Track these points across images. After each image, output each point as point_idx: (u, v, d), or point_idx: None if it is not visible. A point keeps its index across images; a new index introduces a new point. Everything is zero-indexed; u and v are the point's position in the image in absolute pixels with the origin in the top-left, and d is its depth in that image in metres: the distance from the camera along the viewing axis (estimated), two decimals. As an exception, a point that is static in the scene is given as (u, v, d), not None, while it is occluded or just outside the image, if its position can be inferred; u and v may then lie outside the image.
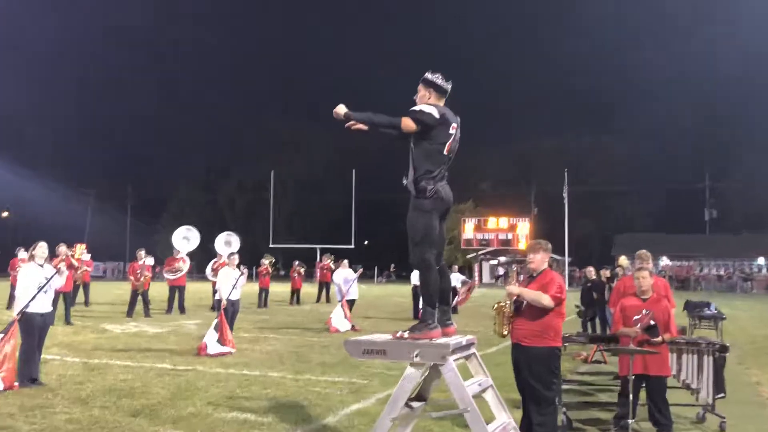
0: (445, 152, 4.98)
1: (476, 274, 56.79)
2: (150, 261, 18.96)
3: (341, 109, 4.99)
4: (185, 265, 19.65)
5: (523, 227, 53.91)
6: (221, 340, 11.43)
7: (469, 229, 55.52)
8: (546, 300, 5.62)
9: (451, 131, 5.01)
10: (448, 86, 5.14)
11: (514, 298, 5.80)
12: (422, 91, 5.12)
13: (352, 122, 4.97)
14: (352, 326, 15.73)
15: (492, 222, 55.06)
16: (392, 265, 54.19)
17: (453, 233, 56.10)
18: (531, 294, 5.70)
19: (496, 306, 5.89)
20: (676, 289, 42.45)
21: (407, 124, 4.87)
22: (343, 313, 15.87)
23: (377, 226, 65.72)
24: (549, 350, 5.68)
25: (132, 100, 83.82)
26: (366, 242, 70.96)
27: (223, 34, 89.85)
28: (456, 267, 25.91)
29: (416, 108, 4.97)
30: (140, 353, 11.22)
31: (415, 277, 17.87)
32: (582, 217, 63.65)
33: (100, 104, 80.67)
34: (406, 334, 4.87)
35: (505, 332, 5.82)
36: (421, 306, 5.04)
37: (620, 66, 77.31)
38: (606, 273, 14.78)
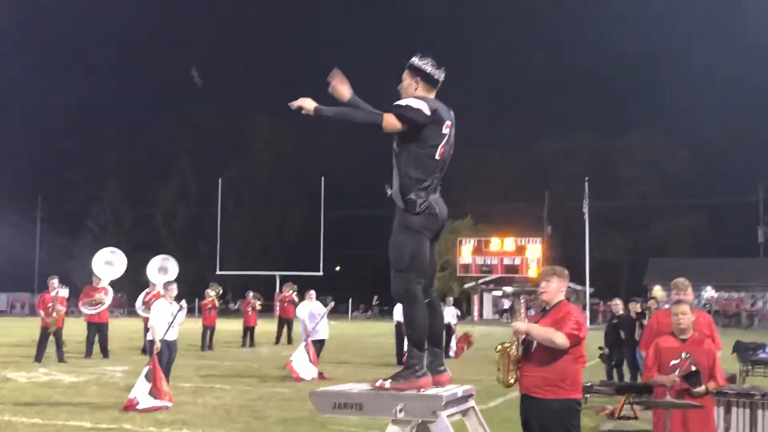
0: (437, 157, 5.00)
1: (476, 308, 56.98)
2: (64, 292, 18.81)
3: (309, 104, 5.00)
4: (108, 297, 19.51)
5: (534, 250, 54.22)
6: (154, 392, 11.32)
7: (466, 253, 55.75)
8: (559, 339, 5.61)
9: (445, 131, 5.03)
10: (441, 75, 5.16)
11: (522, 337, 5.82)
12: (407, 80, 5.14)
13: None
14: (320, 373, 15.68)
15: (495, 243, 55.33)
16: (375, 298, 54.08)
17: (447, 257, 56.28)
18: (540, 331, 5.71)
19: (499, 348, 5.90)
20: (723, 327, 42.75)
21: (390, 122, 4.89)
22: (308, 357, 15.80)
23: (352, 249, 65.78)
24: (566, 403, 5.68)
25: (45, 89, 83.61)
26: (338, 268, 70.97)
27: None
28: (450, 299, 25.97)
29: (401, 102, 4.98)
30: (52, 408, 11.09)
31: (398, 312, 17.86)
32: (607, 237, 64.14)
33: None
34: (387, 384, 4.87)
35: (512, 381, 5.83)
36: (406, 348, 5.05)
37: (655, 58, 78.31)
38: (636, 307, 14.89)
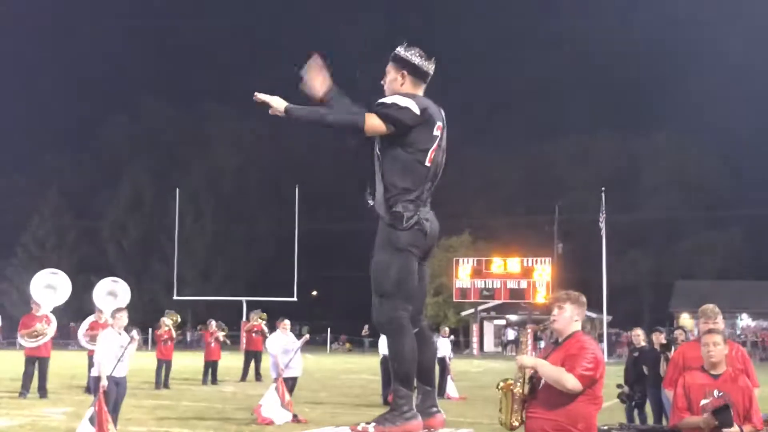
0: (427, 163, 5.01)
1: (475, 339, 56.94)
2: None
3: (278, 103, 5.01)
4: (50, 327, 19.36)
5: (543, 271, 54.24)
6: None
7: (464, 275, 55.68)
8: (570, 382, 5.61)
9: (436, 133, 5.04)
10: (431, 67, 5.17)
11: (529, 373, 5.82)
12: (392, 74, 5.15)
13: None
14: (294, 416, 15.65)
15: (497, 264, 55.30)
16: (366, 328, 54.43)
17: (441, 280, 56.27)
18: (549, 370, 5.71)
19: (502, 385, 5.89)
20: (761, 361, 42.92)
21: (372, 123, 4.89)
22: (279, 398, 15.77)
23: (332, 269, 65.71)
24: (577, 451, 5.68)
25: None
26: (315, 293, 70.89)
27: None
28: (446, 330, 25.92)
29: (386, 100, 4.99)
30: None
31: (382, 344, 17.84)
32: (627, 256, 64.32)
33: None
34: (371, 428, 4.87)
35: (516, 423, 5.82)
36: (392, 387, 5.03)
37: (683, 51, 78.57)
38: (661, 338, 14.90)
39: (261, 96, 5.07)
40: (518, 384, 5.82)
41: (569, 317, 5.88)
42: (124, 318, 12.80)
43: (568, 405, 5.66)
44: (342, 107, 5.10)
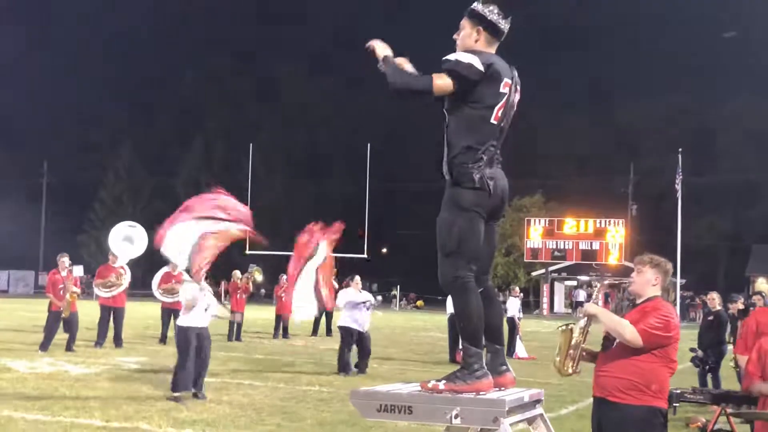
0: (493, 120, 4.97)
1: (545, 299, 56.74)
2: (78, 271, 19.03)
3: (380, 49, 5.00)
4: (125, 279, 19.70)
5: (616, 233, 53.69)
6: None
7: (535, 235, 55.40)
8: (629, 332, 5.53)
9: (503, 90, 4.99)
10: (506, 26, 5.12)
11: (590, 322, 5.76)
12: (467, 29, 5.09)
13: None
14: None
15: (570, 225, 54.87)
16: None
17: (512, 240, 56.07)
18: (610, 319, 5.67)
19: (563, 328, 5.85)
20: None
21: (440, 84, 4.85)
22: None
23: (402, 228, 65.88)
24: (649, 411, 5.63)
25: (49, 39, 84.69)
26: (385, 250, 71.16)
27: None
28: (516, 289, 25.84)
29: (450, 57, 4.95)
30: (58, 403, 11.31)
31: (450, 303, 17.79)
32: (703, 219, 63.31)
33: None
34: (441, 385, 4.88)
35: (569, 370, 5.77)
36: (460, 345, 5.04)
37: (760, 6, 76.38)
38: (738, 305, 14.69)
39: (371, 43, 5.06)
40: (578, 329, 5.79)
41: (647, 281, 5.81)
42: (202, 271, 13.00)
43: (642, 365, 5.60)
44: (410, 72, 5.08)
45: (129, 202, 70.07)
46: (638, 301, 5.85)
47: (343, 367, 16.06)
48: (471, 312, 4.97)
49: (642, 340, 5.52)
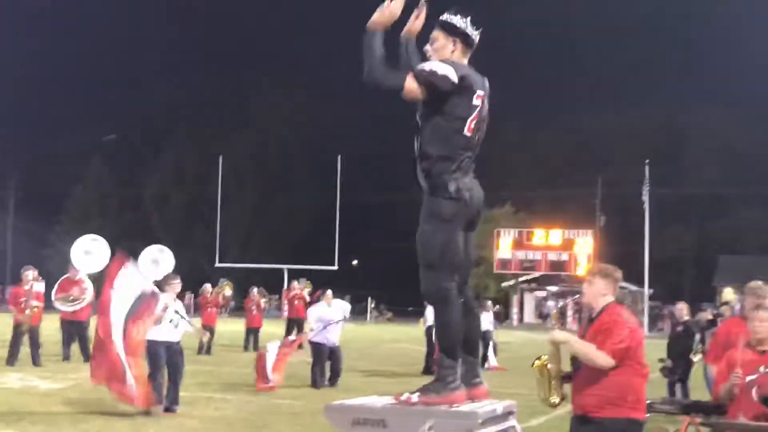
0: (466, 132, 4.99)
1: (515, 310, 56.90)
2: (40, 286, 18.85)
3: (376, 16, 4.92)
4: (87, 293, 19.44)
5: (585, 244, 53.98)
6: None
7: (505, 246, 55.60)
8: (601, 359, 5.58)
9: (476, 102, 5.02)
10: (477, 36, 5.14)
11: (563, 349, 5.79)
12: (441, 40, 5.10)
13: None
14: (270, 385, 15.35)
15: (539, 236, 55.14)
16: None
17: (482, 252, 56.17)
18: (580, 348, 5.70)
19: (537, 363, 5.87)
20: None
21: (410, 87, 4.87)
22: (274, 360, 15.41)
23: (373, 239, 65.81)
24: (628, 423, 5.68)
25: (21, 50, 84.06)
26: (355, 262, 71.05)
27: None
28: (489, 303, 25.84)
29: (426, 66, 4.97)
30: (27, 418, 11.20)
31: (430, 314, 17.82)
32: (670, 230, 63.76)
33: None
34: (415, 397, 4.89)
35: (556, 400, 5.82)
36: (437, 356, 5.06)
37: (733, 20, 77.17)
38: (707, 315, 14.81)
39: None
40: (553, 360, 5.82)
41: (597, 291, 5.85)
42: (178, 285, 13.01)
43: (615, 378, 5.64)
44: (403, 62, 5.09)
45: (97, 214, 69.52)
46: (593, 315, 5.86)
47: (314, 381, 16.04)
48: (451, 324, 5.00)
49: (614, 360, 5.57)
